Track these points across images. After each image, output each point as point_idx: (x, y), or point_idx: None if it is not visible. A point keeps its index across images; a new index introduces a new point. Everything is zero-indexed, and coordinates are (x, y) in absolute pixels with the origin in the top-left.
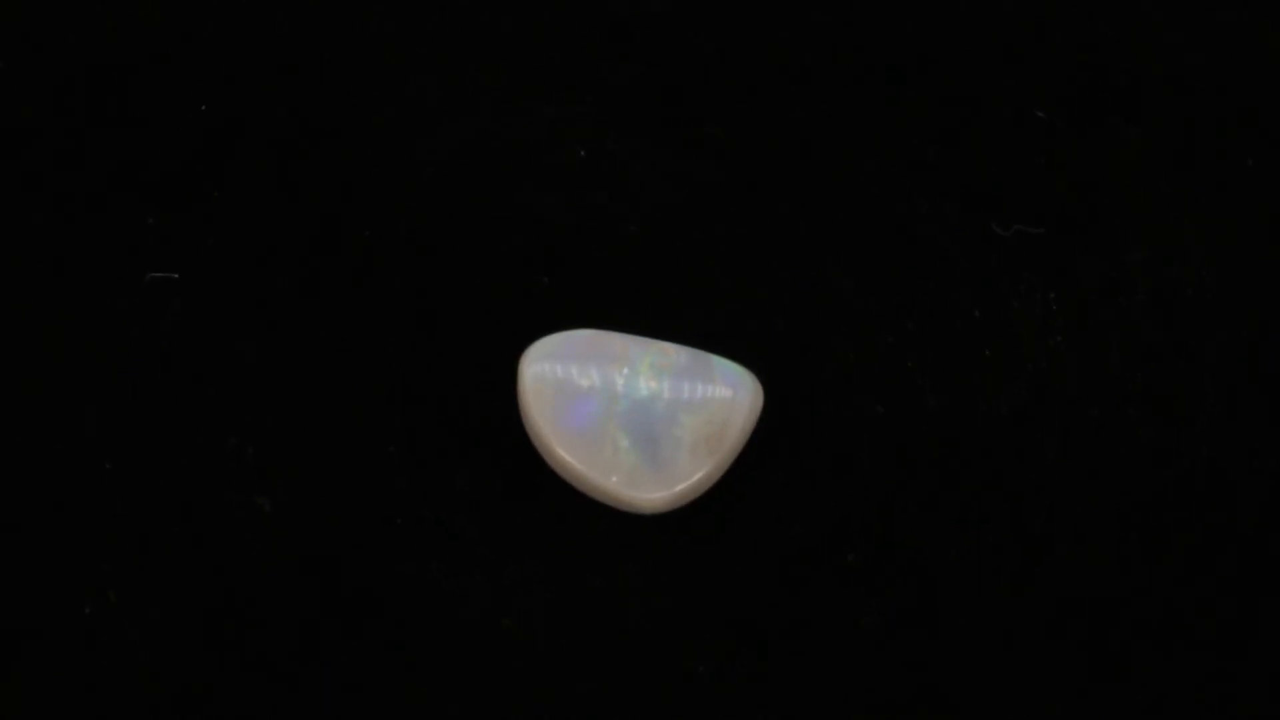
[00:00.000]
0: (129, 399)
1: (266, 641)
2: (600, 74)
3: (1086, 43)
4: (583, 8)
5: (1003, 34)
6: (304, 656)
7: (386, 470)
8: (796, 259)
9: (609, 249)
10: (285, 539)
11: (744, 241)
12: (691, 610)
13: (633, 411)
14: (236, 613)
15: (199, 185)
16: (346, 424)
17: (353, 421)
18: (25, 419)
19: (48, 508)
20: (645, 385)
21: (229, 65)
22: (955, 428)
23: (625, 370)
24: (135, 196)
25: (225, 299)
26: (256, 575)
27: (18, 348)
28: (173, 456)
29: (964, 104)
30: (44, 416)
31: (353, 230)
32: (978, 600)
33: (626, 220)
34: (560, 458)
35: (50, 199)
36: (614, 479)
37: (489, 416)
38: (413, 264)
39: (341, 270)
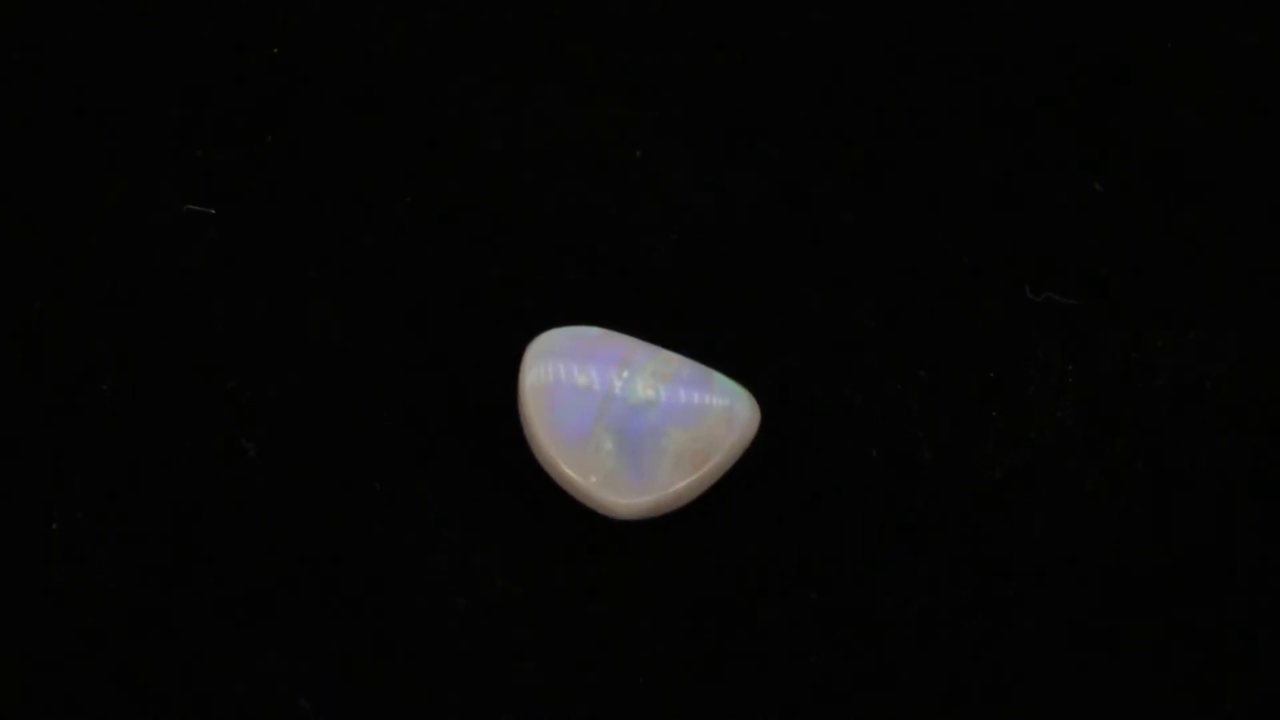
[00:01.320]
0: (140, 324)
1: (225, 580)
2: (675, 79)
3: (1161, 128)
4: (673, 14)
5: (1073, 103)
6: (259, 599)
7: (378, 437)
8: (824, 290)
9: (642, 252)
10: (263, 484)
11: (775, 265)
12: (646, 621)
13: (624, 416)
14: (200, 550)
15: (255, 127)
16: (346, 386)
17: (353, 386)
18: (34, 329)
19: (35, 422)
20: (642, 391)
21: (310, 17)
22: (946, 483)
23: (625, 374)
24: (190, 127)
25: (255, 245)
26: (227, 513)
27: (43, 259)
28: (171, 387)
29: (1025, 165)
30: (52, 331)
31: (394, 201)
32: (931, 659)
33: (666, 227)
34: (545, 450)
35: (103, 115)
36: (593, 479)
37: (490, 403)
38: (445, 242)
39: (373, 238)
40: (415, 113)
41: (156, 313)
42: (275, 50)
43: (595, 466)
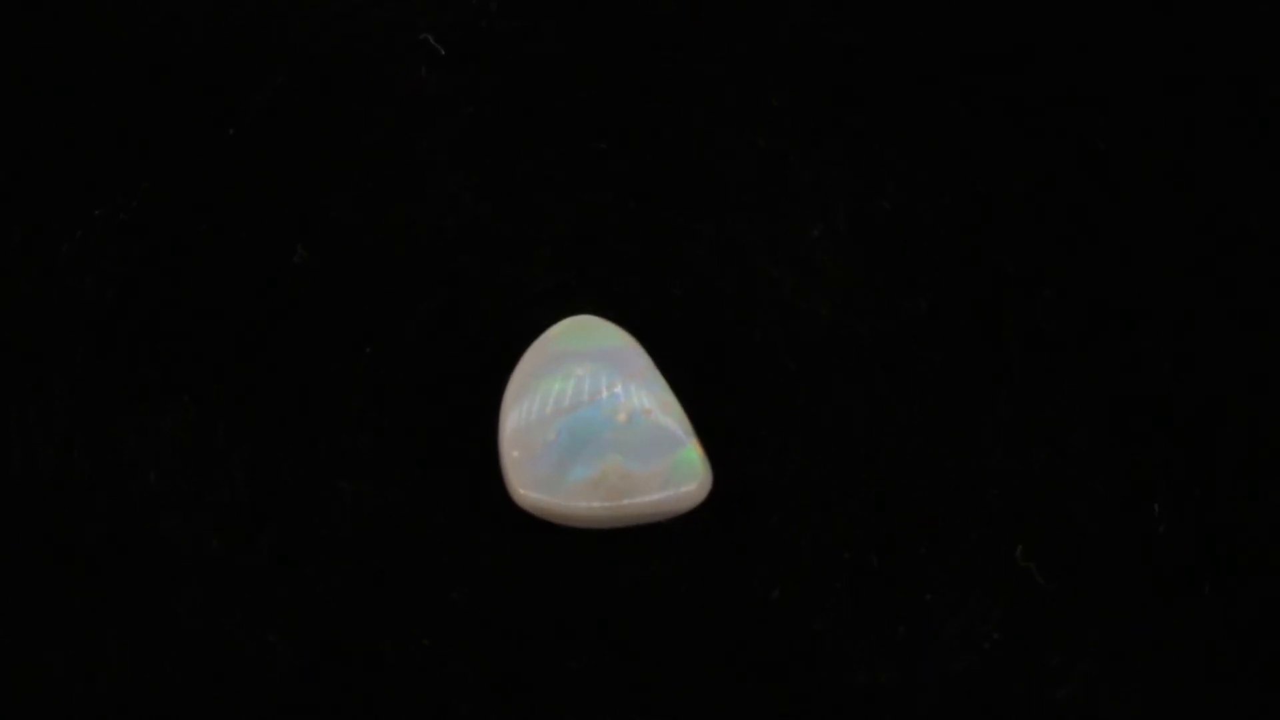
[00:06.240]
0: (277, 119)
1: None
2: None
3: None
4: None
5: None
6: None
7: (399, 332)
8: (854, 437)
9: (739, 303)
10: (293, 289)
11: (828, 387)
12: (473, 606)
13: (587, 421)
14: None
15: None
16: (410, 268)
17: (408, 278)
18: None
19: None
20: (620, 411)
21: None
22: (808, 660)
23: (618, 389)
24: None
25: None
26: (244, 300)
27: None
28: (266, 186)
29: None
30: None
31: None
32: None
33: (776, 288)
34: (505, 405)
35: None
36: (514, 453)
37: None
38: (585, 201)
39: (505, 201)
40: (602, 112)
41: (290, 117)
42: None
43: (526, 445)
